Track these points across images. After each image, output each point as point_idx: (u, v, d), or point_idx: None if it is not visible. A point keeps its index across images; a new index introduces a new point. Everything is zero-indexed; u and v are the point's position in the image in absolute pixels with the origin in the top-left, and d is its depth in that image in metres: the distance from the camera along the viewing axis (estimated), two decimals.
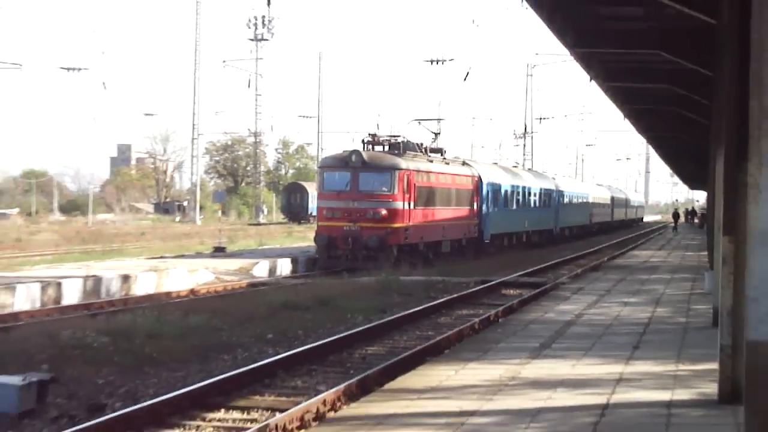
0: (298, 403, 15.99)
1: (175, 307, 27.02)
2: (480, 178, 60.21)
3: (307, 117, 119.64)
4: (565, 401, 14.20)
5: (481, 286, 36.56)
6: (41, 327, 21.98)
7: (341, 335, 23.30)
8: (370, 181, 47.02)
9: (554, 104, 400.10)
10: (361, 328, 24.52)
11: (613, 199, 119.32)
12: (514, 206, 68.50)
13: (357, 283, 36.40)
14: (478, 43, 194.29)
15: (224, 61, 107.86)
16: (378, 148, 51.64)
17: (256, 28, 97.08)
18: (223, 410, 16.29)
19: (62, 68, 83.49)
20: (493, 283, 37.90)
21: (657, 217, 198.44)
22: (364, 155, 47.79)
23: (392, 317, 27.02)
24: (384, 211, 46.39)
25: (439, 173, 53.95)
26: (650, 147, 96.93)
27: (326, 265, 46.53)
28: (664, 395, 14.75)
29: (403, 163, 48.42)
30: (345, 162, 48.09)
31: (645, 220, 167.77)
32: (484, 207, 60.19)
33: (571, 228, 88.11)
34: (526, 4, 22.93)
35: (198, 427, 15.25)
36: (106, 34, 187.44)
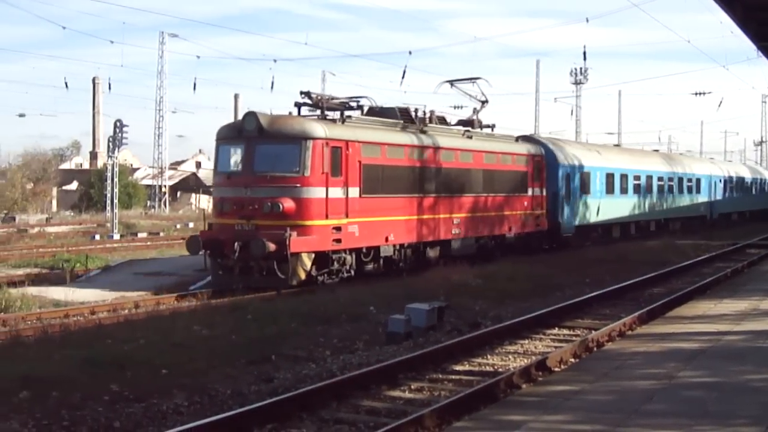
0: (606, 325, 15.77)
1: (524, 260, 27.00)
2: (549, 159, 33.44)
3: (611, 133, 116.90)
4: None
5: (731, 248, 34.99)
6: (440, 273, 22.40)
7: (634, 280, 22.75)
8: (270, 158, 22.19)
9: None
10: (648, 276, 23.87)
11: None
12: (628, 193, 41.22)
13: (644, 245, 35.29)
14: (728, 80, 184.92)
15: (555, 99, 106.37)
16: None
17: (576, 76, 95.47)
18: (556, 328, 16.22)
19: (451, 106, 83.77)
20: (740, 245, 36.18)
21: None
22: (262, 119, 22.26)
23: (670, 268, 26.21)
24: (288, 202, 21.52)
25: (435, 148, 26.51)
26: None
27: (218, 282, 22.19)
28: None
29: (322, 129, 22.41)
30: (238, 131, 22.87)
31: None
32: (561, 194, 34.03)
33: (740, 213, 60.37)
34: (760, 53, 21.98)
35: (540, 338, 15.26)
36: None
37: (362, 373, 11.51)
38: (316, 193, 22.04)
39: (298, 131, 22.29)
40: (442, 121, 28.99)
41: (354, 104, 25.56)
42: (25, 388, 10.09)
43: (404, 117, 26.58)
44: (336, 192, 22.44)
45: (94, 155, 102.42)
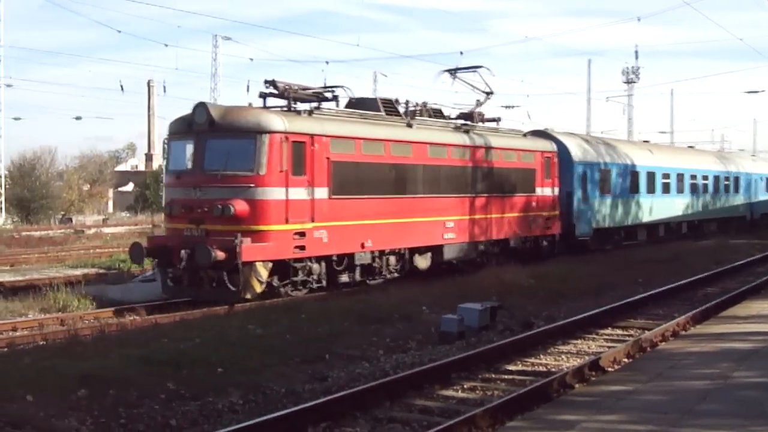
0: (659, 325, 15.65)
1: (576, 260, 26.87)
2: (563, 155, 30.24)
3: (663, 132, 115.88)
4: None
5: None
6: (493, 273, 22.36)
7: (688, 280, 22.55)
8: (221, 154, 19.58)
9: None
10: (701, 275, 23.64)
11: None
12: (655, 192, 37.14)
13: (698, 245, 34.86)
14: None
15: (607, 98, 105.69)
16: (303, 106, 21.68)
17: (627, 75, 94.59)
18: (609, 328, 16.14)
19: (502, 106, 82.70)
20: None
21: None
22: (213, 111, 19.80)
23: (723, 268, 25.94)
24: (241, 205, 19.03)
25: (422, 143, 23.63)
26: None
27: (169, 293, 19.97)
28: None
29: (281, 121, 19.68)
30: (189, 124, 20.27)
31: None
32: (577, 194, 30.89)
33: None
34: None
35: (593, 338, 15.19)
36: (529, 84, 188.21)
37: (415, 373, 11.55)
38: (274, 194, 19.43)
39: (252, 124, 19.62)
40: (438, 113, 26.29)
41: (328, 95, 22.72)
42: (84, 387, 10.25)
43: (387, 109, 23.80)
44: (298, 193, 19.86)
45: (149, 157, 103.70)
